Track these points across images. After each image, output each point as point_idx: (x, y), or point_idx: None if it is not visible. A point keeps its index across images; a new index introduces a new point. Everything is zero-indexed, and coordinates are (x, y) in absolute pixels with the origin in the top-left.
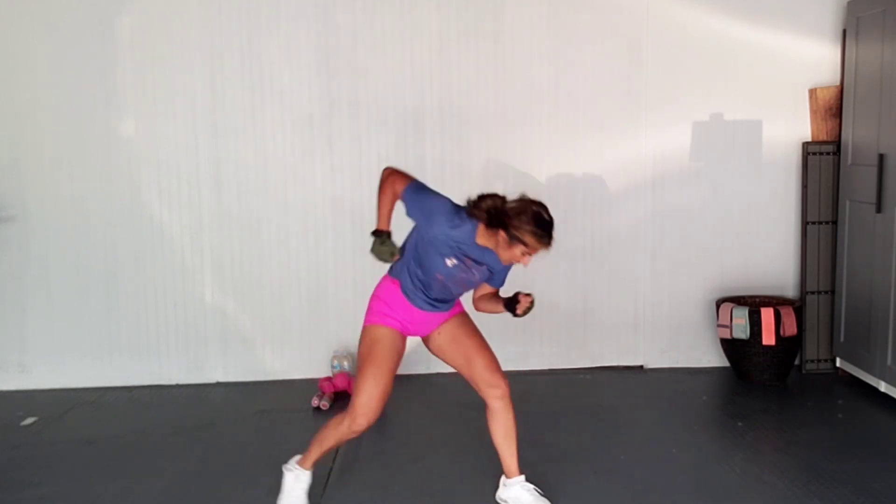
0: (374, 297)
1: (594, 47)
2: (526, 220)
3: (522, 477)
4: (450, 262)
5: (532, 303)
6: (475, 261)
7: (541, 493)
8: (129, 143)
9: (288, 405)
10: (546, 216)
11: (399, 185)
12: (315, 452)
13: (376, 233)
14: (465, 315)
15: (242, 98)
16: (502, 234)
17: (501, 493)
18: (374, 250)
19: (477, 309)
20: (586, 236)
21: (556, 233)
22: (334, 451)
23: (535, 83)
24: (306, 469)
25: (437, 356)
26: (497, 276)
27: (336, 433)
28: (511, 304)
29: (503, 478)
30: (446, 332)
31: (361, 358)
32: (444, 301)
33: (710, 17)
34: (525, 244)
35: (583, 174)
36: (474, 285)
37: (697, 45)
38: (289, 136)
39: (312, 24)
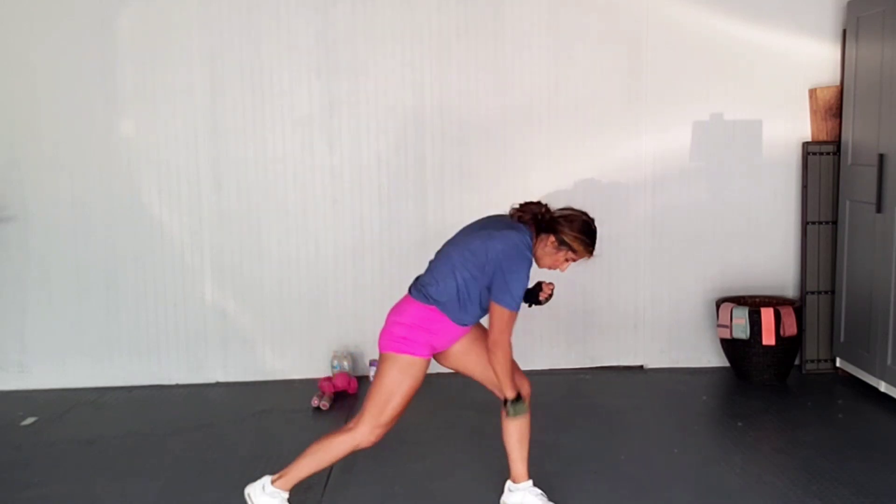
0: (406, 325)
1: (594, 47)
2: (577, 228)
3: (530, 482)
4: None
5: (553, 291)
6: None
7: (547, 499)
8: (129, 143)
9: (288, 405)
10: (594, 227)
11: (507, 339)
12: (305, 472)
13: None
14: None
15: (242, 98)
16: (552, 239)
17: (506, 499)
18: (517, 413)
19: None
20: None
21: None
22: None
23: (535, 83)
24: (286, 490)
25: (452, 367)
26: None
27: (341, 449)
28: (534, 293)
29: (508, 482)
30: (461, 344)
31: (394, 383)
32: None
33: (710, 17)
34: (573, 250)
35: (583, 174)
36: None
37: (697, 45)
38: (289, 136)
39: (312, 23)
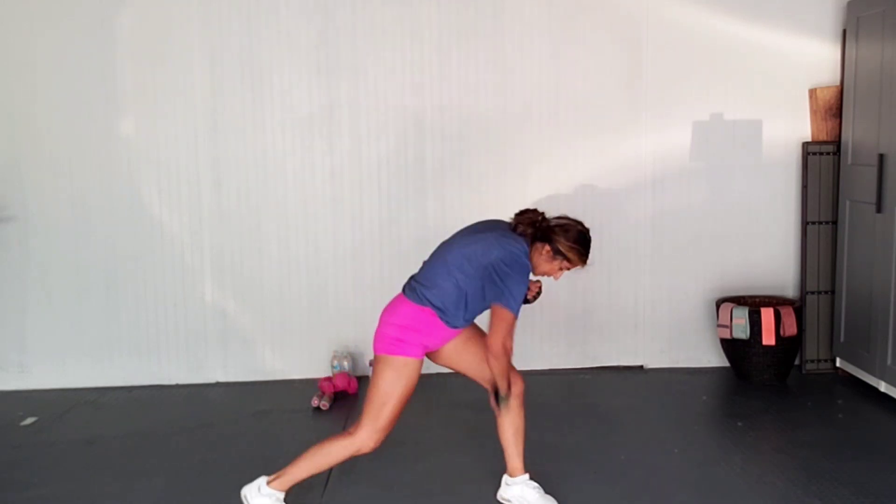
0: (398, 325)
1: (594, 47)
2: (573, 238)
3: (527, 475)
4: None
5: (540, 288)
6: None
7: (544, 492)
8: (129, 143)
9: (288, 405)
10: (588, 236)
11: (510, 344)
12: (302, 474)
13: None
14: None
15: (242, 98)
16: (547, 248)
17: (503, 493)
18: (502, 406)
19: None
20: None
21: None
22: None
23: (535, 83)
24: (282, 491)
25: (445, 365)
26: None
27: (342, 454)
28: None
29: (505, 476)
30: (455, 342)
31: (389, 384)
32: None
33: (709, 17)
34: (568, 259)
35: (583, 174)
36: None
37: (697, 45)
38: (289, 136)
39: (312, 24)
